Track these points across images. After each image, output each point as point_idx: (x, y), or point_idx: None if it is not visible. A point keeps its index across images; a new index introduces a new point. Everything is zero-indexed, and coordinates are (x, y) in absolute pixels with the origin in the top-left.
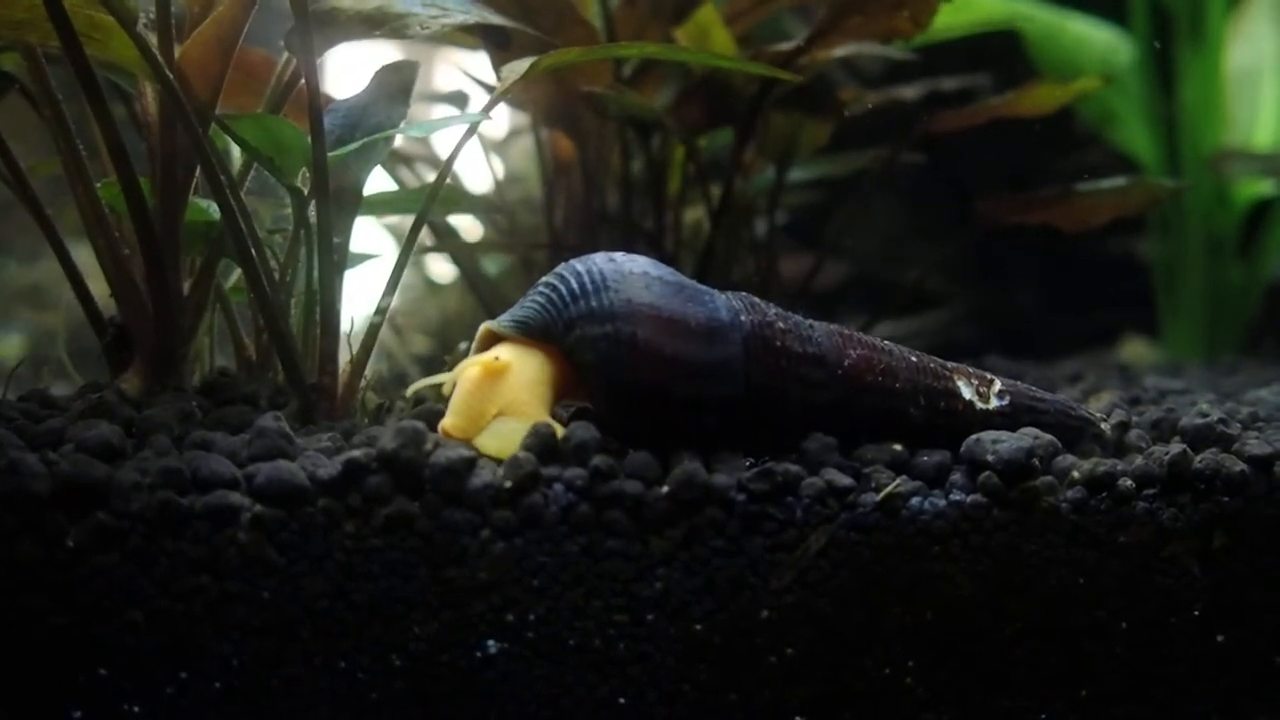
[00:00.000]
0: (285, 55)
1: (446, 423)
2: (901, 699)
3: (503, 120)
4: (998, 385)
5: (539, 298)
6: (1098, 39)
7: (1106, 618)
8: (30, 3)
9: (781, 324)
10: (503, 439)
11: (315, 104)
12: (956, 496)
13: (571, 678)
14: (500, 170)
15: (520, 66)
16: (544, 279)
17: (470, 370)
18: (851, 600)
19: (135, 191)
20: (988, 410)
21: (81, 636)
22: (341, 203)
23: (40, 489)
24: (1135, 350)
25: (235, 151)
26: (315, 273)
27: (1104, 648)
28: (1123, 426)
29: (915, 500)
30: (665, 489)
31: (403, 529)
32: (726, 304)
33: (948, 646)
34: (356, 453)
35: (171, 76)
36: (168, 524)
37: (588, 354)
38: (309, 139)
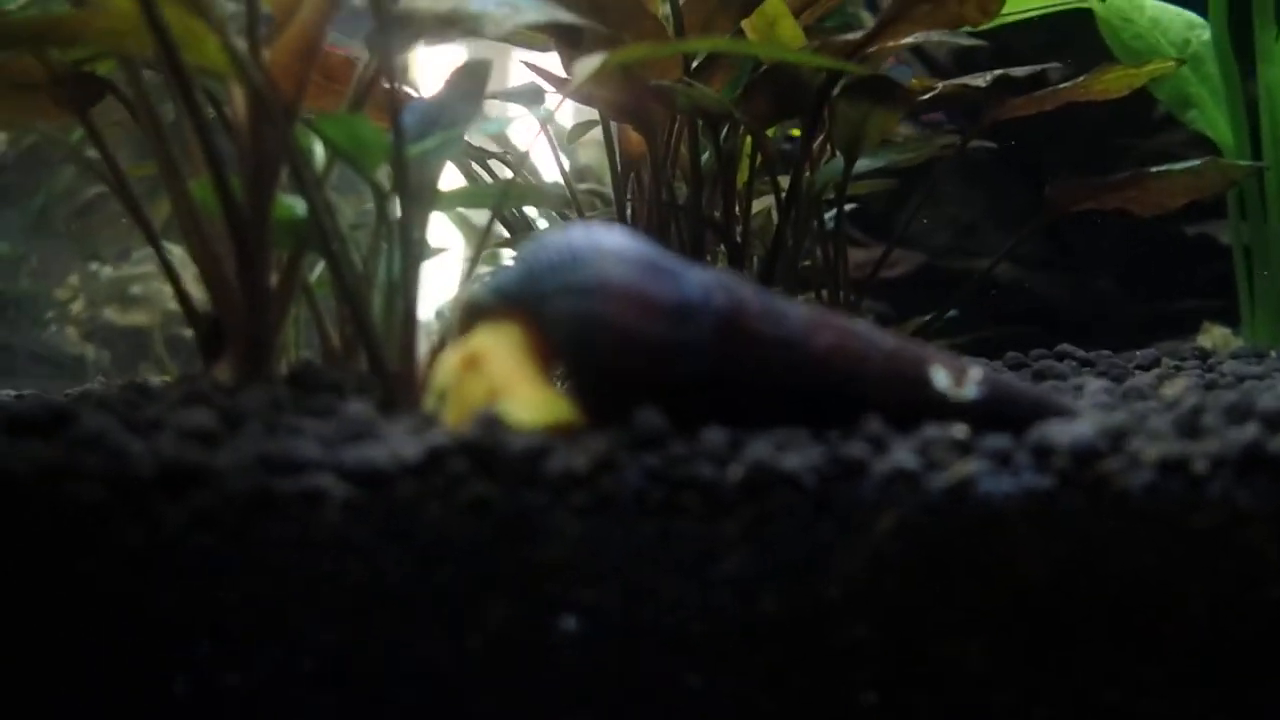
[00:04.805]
0: (363, 56)
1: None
2: (971, 681)
3: (569, 114)
4: (975, 375)
5: (518, 268)
6: (1175, 20)
7: (1180, 603)
8: (129, 12)
9: (755, 305)
10: None
11: (396, 103)
12: (1027, 479)
13: (645, 657)
14: (568, 165)
15: (592, 63)
16: (524, 247)
17: (453, 369)
18: (921, 583)
19: (226, 191)
20: (960, 401)
21: (184, 612)
22: (418, 197)
23: (144, 472)
24: (1216, 336)
25: (319, 151)
26: (395, 265)
27: (1178, 633)
28: (1196, 411)
29: (985, 482)
30: (738, 472)
31: (482, 511)
32: (699, 283)
33: (1018, 631)
34: (439, 437)
35: (260, 80)
36: (261, 506)
37: (559, 330)
38: (389, 136)
